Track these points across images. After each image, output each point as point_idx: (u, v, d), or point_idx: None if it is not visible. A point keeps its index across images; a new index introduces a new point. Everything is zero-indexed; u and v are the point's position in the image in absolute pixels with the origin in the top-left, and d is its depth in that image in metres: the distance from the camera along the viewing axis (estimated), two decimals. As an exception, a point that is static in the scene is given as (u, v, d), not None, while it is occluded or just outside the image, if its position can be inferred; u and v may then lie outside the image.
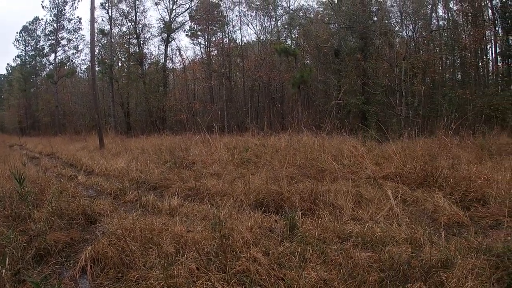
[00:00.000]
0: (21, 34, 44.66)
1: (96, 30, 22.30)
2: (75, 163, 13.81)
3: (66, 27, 39.39)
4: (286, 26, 26.61)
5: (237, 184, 7.21)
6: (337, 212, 5.23)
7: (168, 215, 5.87)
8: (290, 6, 26.61)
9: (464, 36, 20.74)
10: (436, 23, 22.19)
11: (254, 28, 37.14)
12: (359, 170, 7.41)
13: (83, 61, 42.14)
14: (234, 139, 13.15)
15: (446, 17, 22.52)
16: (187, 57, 31.61)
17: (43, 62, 44.17)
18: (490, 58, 21.65)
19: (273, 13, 26.77)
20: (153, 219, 5.41)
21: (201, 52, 30.03)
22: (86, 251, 4.57)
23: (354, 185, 6.31)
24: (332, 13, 23.20)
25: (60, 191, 7.70)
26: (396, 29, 21.90)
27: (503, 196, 5.25)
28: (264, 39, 26.90)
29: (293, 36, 26.86)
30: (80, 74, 42.76)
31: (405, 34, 22.29)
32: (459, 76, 22.15)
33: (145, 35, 30.23)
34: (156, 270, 3.80)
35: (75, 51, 39.75)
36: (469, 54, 20.87)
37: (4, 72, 60.23)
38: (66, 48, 39.95)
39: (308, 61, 25.50)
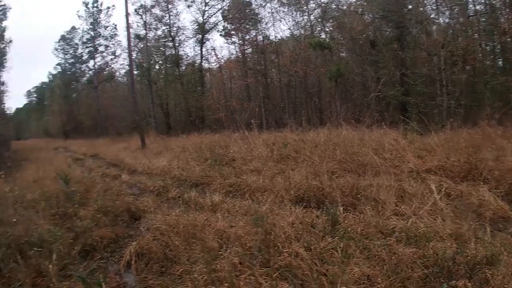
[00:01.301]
0: (60, 43, 46.27)
1: (132, 36, 22.91)
2: (118, 163, 14.31)
3: (102, 34, 41.02)
4: (319, 19, 26.10)
5: (277, 180, 7.26)
6: (380, 207, 5.15)
7: (210, 211, 5.99)
8: (321, -1, 26.21)
9: (502, 20, 19.75)
10: (473, 7, 21.21)
11: (287, 24, 36.85)
12: (401, 164, 7.26)
13: (121, 66, 43.66)
14: (273, 135, 13.05)
15: (483, 1, 21.51)
16: (222, 56, 31.76)
17: (82, 69, 45.72)
18: (533, 42, 20.52)
19: (305, 7, 26.35)
20: (196, 215, 5.55)
21: (236, 51, 29.95)
22: (130, 246, 4.78)
23: (397, 179, 6.21)
24: (365, 3, 22.61)
25: (105, 190, 8.06)
26: (432, 16, 21.01)
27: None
28: (298, 34, 26.61)
29: (327, 30, 26.41)
30: (119, 78, 43.95)
31: (442, 21, 21.44)
32: (500, 62, 21.09)
33: (180, 37, 30.57)
34: (199, 265, 3.88)
35: (113, 56, 41.22)
36: (509, 39, 19.85)
37: (46, 80, 62.90)
38: (104, 54, 41.60)
39: (344, 54, 24.93)
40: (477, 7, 21.03)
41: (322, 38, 24.33)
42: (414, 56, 18.21)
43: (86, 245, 5.16)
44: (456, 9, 20.33)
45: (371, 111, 10.28)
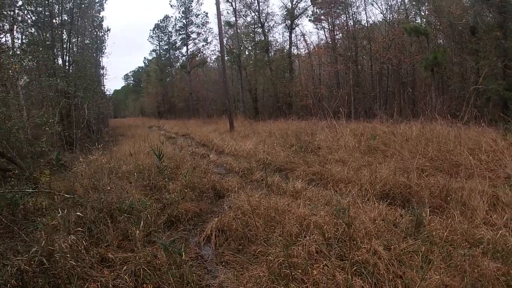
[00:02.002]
0: (154, 31, 50.44)
1: (222, 23, 23.65)
2: (207, 143, 15.13)
3: (194, 22, 43.69)
4: (414, 2, 24.59)
5: (363, 173, 7.20)
6: (469, 214, 4.84)
7: (291, 197, 6.12)
8: (417, -19, 24.55)
9: None
10: None
11: (379, 8, 35.43)
12: (498, 168, 6.76)
13: (212, 52, 47.14)
14: (361, 126, 12.88)
15: None
16: (311, 42, 31.65)
17: (176, 55, 49.44)
18: None
19: (398, -12, 25.17)
20: (277, 199, 5.71)
21: (326, 37, 29.52)
22: (212, 221, 5.16)
23: (491, 184, 5.83)
24: (463, -16, 20.91)
25: (194, 167, 8.68)
26: (539, -1, 18.81)
27: None
28: (391, 18, 25.44)
29: (423, 14, 24.88)
30: (211, 64, 46.33)
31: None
32: None
33: (269, 24, 30.89)
34: (276, 248, 4.01)
35: (204, 43, 43.67)
36: None
37: (142, 64, 68.86)
38: (196, 41, 44.25)
39: (441, 41, 23.45)
40: None
41: (417, 23, 22.99)
42: (517, 46, 16.31)
43: (171, 216, 5.71)
44: None
45: (469, 106, 9.58)
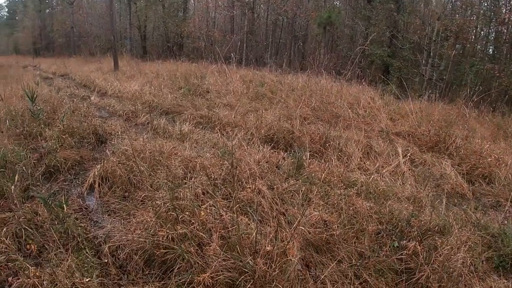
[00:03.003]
0: None
1: None
2: (89, 84, 13.86)
3: None
4: None
5: (250, 117, 7.30)
6: (345, 159, 5.28)
7: (178, 140, 5.97)
8: None
9: (504, 10, 19.44)
10: (479, -11, 20.74)
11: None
12: (373, 122, 7.34)
13: None
14: (251, 73, 13.04)
15: (490, -15, 20.95)
16: (210, -18, 30.40)
17: None
18: (527, 39, 20.29)
19: None
20: (163, 143, 5.49)
21: (226, -21, 28.71)
22: (95, 169, 4.67)
23: (366, 136, 6.31)
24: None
25: (73, 110, 7.83)
26: (435, -14, 20.65)
27: (509, 179, 5.16)
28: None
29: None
30: (97, -5, 41.34)
31: (444, -7, 21.01)
32: (490, 50, 20.94)
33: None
34: (162, 192, 3.86)
35: None
36: (505, 30, 19.68)
37: None
38: None
39: (337, 3, 24.37)
40: (483, -10, 20.52)
41: (319, -19, 23.47)
42: (408, 21, 17.90)
43: (50, 166, 4.99)
44: (462, -14, 19.73)
45: (354, 65, 10.12)
